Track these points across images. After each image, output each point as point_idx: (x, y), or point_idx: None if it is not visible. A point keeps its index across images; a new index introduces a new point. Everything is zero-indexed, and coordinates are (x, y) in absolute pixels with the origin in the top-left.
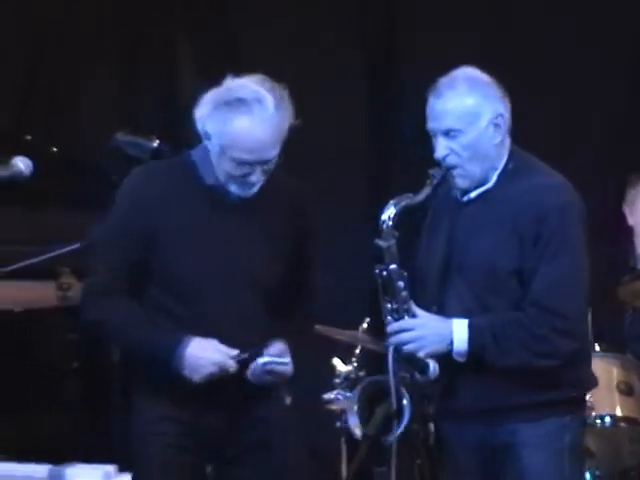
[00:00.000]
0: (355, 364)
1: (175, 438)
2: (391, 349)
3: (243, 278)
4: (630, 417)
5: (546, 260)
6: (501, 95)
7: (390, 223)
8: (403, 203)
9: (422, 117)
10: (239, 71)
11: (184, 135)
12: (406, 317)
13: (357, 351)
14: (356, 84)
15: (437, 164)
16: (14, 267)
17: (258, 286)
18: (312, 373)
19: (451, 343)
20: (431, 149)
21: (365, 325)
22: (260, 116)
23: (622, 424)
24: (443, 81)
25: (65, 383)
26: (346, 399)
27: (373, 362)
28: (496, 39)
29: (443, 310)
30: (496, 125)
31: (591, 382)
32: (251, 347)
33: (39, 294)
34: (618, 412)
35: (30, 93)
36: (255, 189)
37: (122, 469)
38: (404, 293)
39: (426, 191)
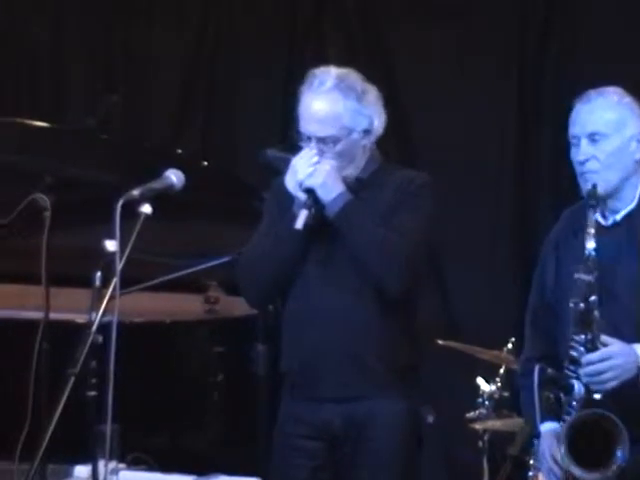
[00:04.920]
0: (499, 384)
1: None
2: (537, 368)
3: None
4: None
5: None
6: None
7: (594, 254)
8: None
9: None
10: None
11: None
12: (601, 347)
13: (501, 371)
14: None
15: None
16: (164, 279)
17: None
18: (456, 392)
19: (638, 369)
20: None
21: (510, 345)
22: (316, 90)
23: None
24: (592, 91)
25: (210, 395)
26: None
27: (517, 382)
28: None
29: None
30: (639, 141)
31: None
32: None
33: (186, 307)
34: None
35: (187, 108)
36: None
37: None
38: (599, 323)
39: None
